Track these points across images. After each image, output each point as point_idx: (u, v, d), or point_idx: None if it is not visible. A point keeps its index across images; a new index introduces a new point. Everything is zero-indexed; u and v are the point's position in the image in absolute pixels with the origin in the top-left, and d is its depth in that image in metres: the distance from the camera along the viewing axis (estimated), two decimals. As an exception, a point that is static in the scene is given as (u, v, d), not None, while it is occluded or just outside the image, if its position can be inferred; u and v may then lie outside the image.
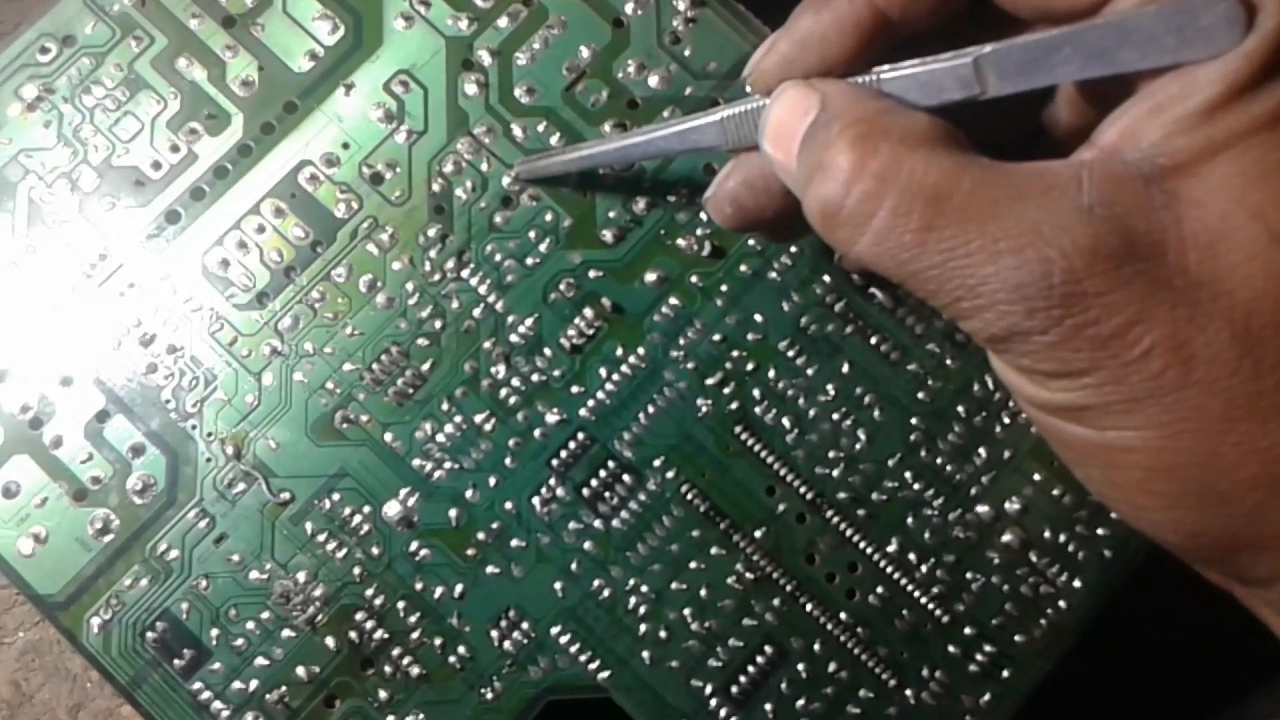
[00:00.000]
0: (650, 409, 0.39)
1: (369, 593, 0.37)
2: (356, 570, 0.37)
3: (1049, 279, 0.24)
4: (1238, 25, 0.25)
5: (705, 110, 0.33)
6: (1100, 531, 0.38)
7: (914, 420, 0.39)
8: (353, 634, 0.37)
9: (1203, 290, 0.23)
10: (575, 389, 0.39)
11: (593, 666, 0.37)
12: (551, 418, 0.38)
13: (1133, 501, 0.26)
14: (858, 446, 0.38)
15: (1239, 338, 0.23)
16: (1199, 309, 0.23)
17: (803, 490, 0.38)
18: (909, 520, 0.38)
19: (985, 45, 0.28)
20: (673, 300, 0.39)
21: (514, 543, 0.38)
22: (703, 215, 0.40)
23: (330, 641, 0.37)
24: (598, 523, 0.38)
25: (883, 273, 0.27)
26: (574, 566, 0.38)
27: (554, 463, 0.38)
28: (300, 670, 0.37)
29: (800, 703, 0.37)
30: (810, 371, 0.39)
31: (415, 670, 0.37)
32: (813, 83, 0.29)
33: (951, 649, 0.37)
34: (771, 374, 0.39)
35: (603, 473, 0.38)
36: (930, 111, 0.28)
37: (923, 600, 0.38)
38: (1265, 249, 0.23)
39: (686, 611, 0.38)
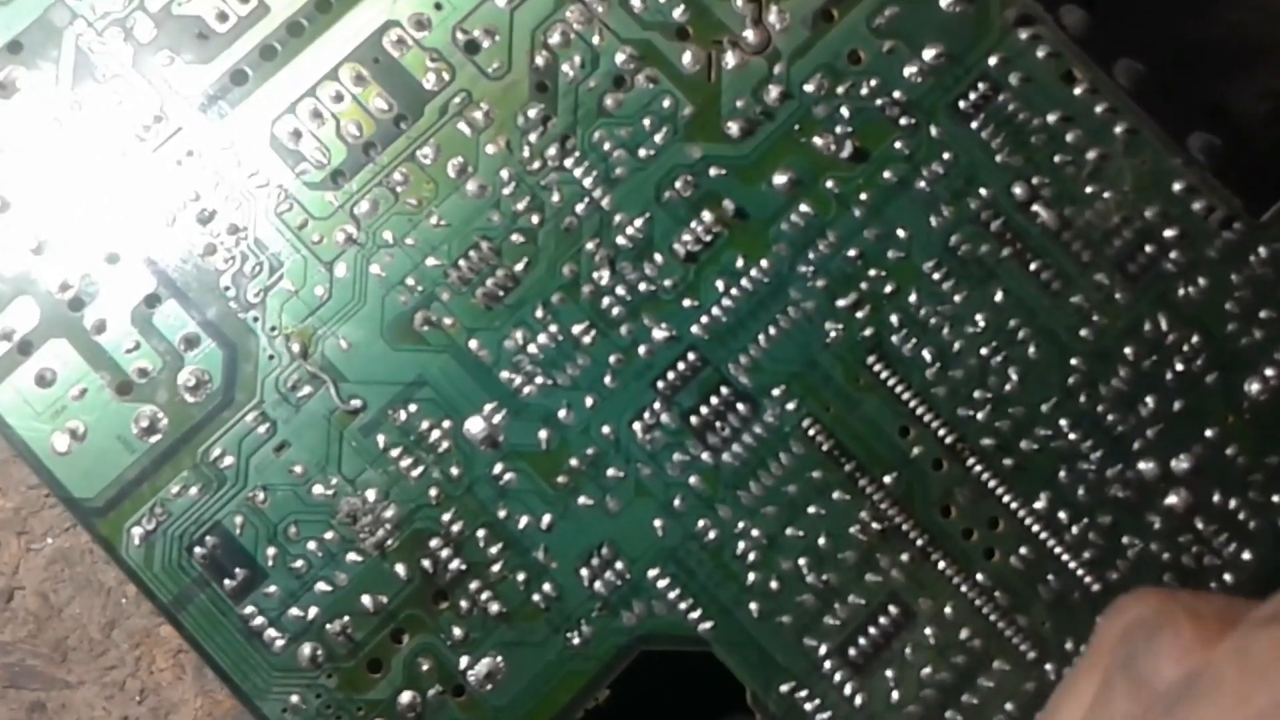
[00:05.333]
0: (771, 330, 0.34)
1: (446, 517, 0.34)
2: (433, 492, 0.34)
3: None
4: None
5: None
6: (1277, 499, 0.33)
7: (1074, 360, 0.34)
8: (426, 562, 0.34)
9: None
10: (687, 302, 0.34)
11: (693, 616, 0.33)
12: (659, 333, 0.34)
13: None
14: (1007, 387, 0.34)
15: None
16: None
17: (941, 433, 0.34)
18: (1061, 474, 0.34)
19: None
20: (804, 207, 0.35)
21: (610, 472, 0.34)
22: (844, 109, 0.34)
23: (400, 569, 0.33)
24: (706, 455, 0.34)
25: None
26: (677, 503, 0.34)
27: (659, 385, 0.34)
28: (366, 599, 0.33)
29: (925, 671, 0.33)
30: (958, 298, 0.35)
31: (494, 607, 0.33)
32: None
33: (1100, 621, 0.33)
34: (913, 298, 0.35)
35: (714, 399, 0.34)
36: None
37: (1071, 565, 0.34)
38: None
39: (802, 561, 0.34)
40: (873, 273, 0.35)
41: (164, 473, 0.34)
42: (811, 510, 0.34)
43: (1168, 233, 0.35)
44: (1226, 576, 0.34)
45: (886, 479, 0.34)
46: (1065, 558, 0.34)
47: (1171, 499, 0.34)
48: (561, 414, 0.34)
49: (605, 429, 0.34)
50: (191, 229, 0.34)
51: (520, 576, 0.34)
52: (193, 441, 0.34)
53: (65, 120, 0.35)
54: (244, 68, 0.35)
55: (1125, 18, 0.38)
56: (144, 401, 0.34)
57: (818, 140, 0.35)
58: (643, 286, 0.34)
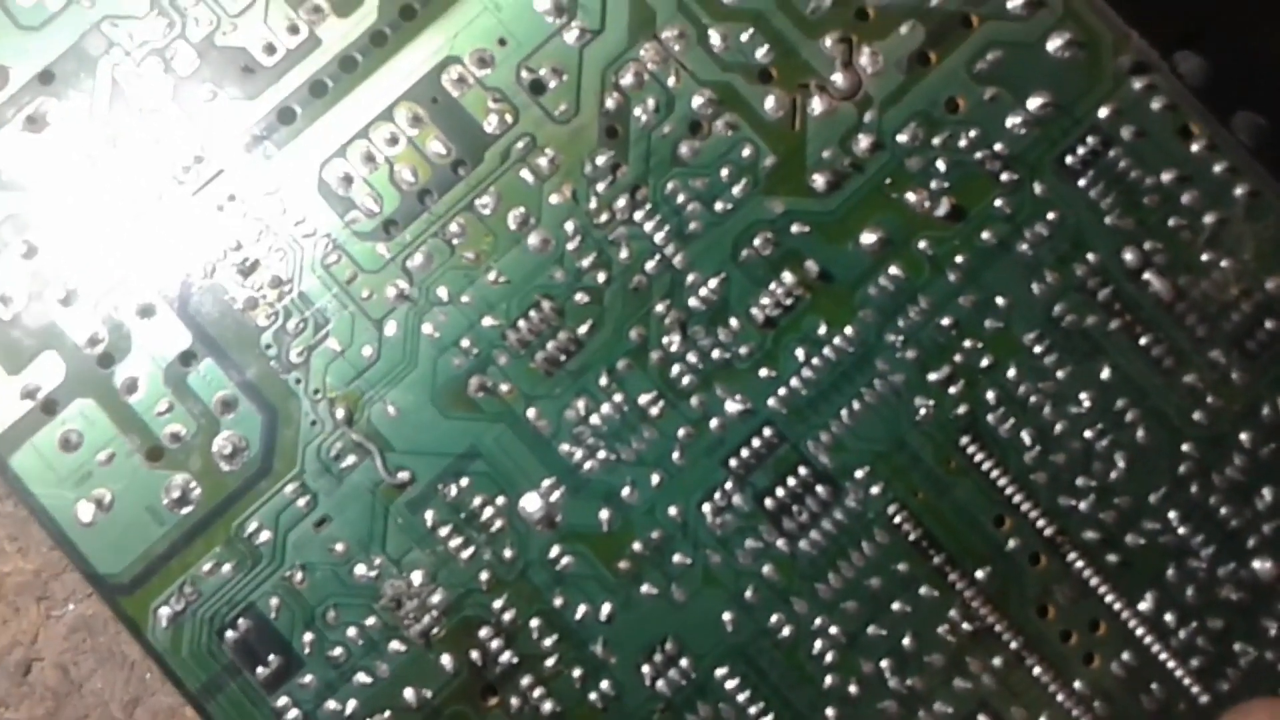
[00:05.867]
0: (855, 405, 0.32)
1: (497, 604, 0.31)
2: (484, 575, 0.31)
3: None
4: None
5: None
6: (1406, 606, 0.31)
7: (1185, 447, 0.32)
8: (474, 654, 0.31)
9: None
10: (765, 372, 0.32)
11: (764, 720, 0.31)
12: (733, 406, 0.32)
13: None
14: (1113, 474, 0.32)
15: None
16: None
17: (1040, 524, 0.32)
18: (1169, 572, 0.32)
19: None
20: (894, 270, 0.32)
21: (676, 558, 0.31)
22: (940, 162, 0.31)
23: (447, 661, 0.31)
24: (781, 542, 0.31)
25: None
26: (748, 594, 0.31)
27: (732, 463, 0.32)
28: (409, 693, 0.31)
29: (1017, 786, 0.30)
30: (1060, 374, 0.32)
31: (547, 706, 0.31)
32: None
33: (1211, 738, 0.30)
34: (1011, 373, 0.32)
35: (791, 480, 0.32)
36: None
37: (1178, 673, 0.32)
38: None
39: (885, 664, 0.31)
40: (968, 344, 0.32)
41: (195, 548, 0.31)
42: (896, 607, 0.31)
43: (1292, 307, 0.32)
44: (1349, 688, 0.31)
45: (979, 574, 0.32)
46: (1171, 665, 0.32)
47: (1290, 602, 0.31)
48: (625, 493, 0.32)
49: (672, 510, 0.32)
50: (231, 281, 0.32)
51: (576, 672, 0.31)
52: (227, 514, 0.32)
53: (99, 158, 0.32)
54: (292, 105, 0.33)
55: (1244, 65, 0.35)
56: (176, 469, 0.32)
57: (910, 196, 0.32)
58: (716, 354, 0.32)
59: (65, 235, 0.32)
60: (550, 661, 0.31)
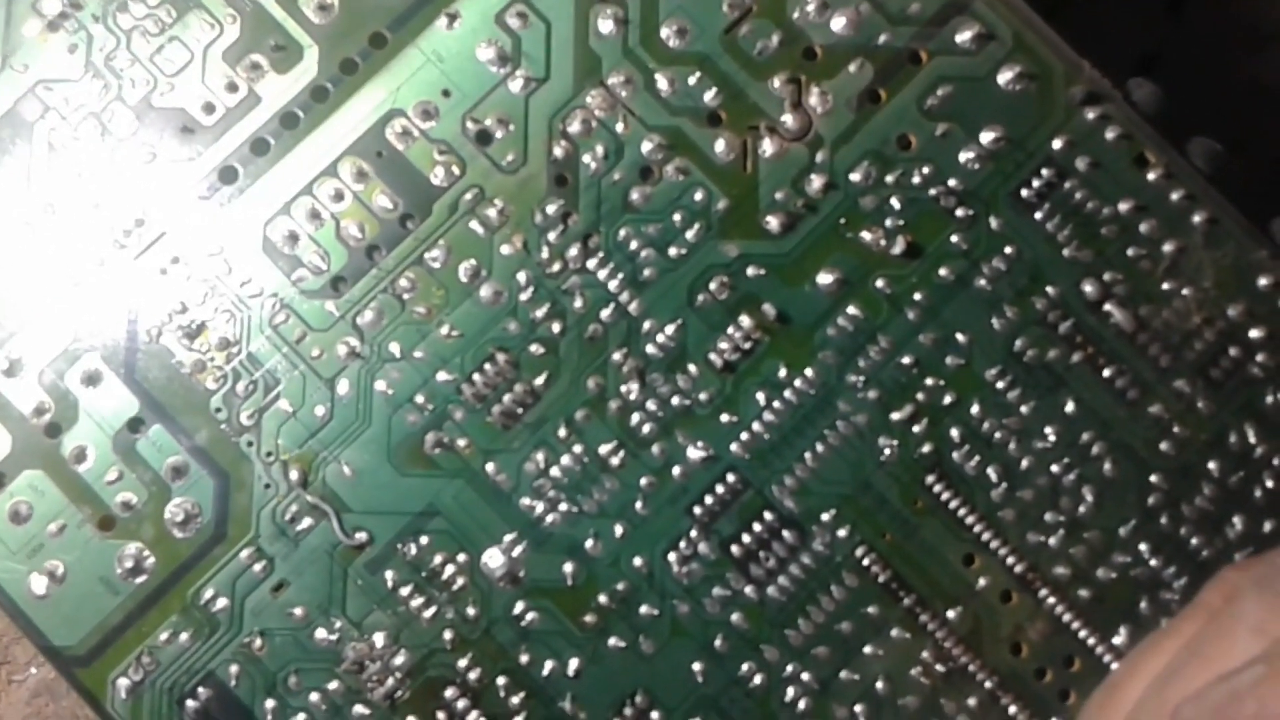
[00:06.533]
0: (819, 448, 0.32)
1: (462, 664, 0.31)
2: (448, 635, 0.31)
3: None
4: None
5: None
6: (1381, 629, 0.30)
7: (1154, 478, 0.32)
8: (441, 715, 0.31)
9: None
10: (726, 418, 0.32)
11: (738, 771, 0.30)
12: (695, 453, 0.31)
13: None
14: (1081, 509, 0.32)
15: None
16: None
17: (1010, 561, 0.31)
18: (1142, 605, 0.31)
19: None
20: (852, 310, 0.32)
21: (643, 609, 0.31)
22: (894, 200, 0.31)
23: (412, 724, 0.30)
24: (749, 589, 0.31)
25: None
26: (718, 643, 0.31)
27: (696, 510, 0.31)
28: (374, 760, 0.30)
29: (996, 829, 0.30)
30: (1025, 409, 0.32)
31: (517, 767, 0.30)
32: None
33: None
34: (975, 410, 0.32)
35: (757, 526, 0.31)
36: None
37: None
38: None
39: (859, 709, 0.31)
40: (930, 382, 0.32)
41: (151, 617, 0.31)
42: (868, 650, 0.31)
43: (1254, 333, 0.32)
44: (1326, 716, 0.31)
45: (950, 614, 0.31)
46: (1148, 699, 0.31)
47: (1264, 631, 0.31)
48: (588, 545, 0.31)
49: (637, 561, 0.31)
50: (178, 344, 0.32)
51: (545, 730, 0.30)
52: (182, 582, 0.31)
53: (37, 224, 0.32)
54: (234, 164, 0.32)
55: (1197, 90, 0.35)
56: (129, 538, 0.31)
57: (866, 235, 0.32)
58: (676, 401, 0.31)
59: (6, 304, 0.32)
60: (518, 720, 0.31)
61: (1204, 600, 0.26)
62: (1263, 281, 0.32)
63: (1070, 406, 0.32)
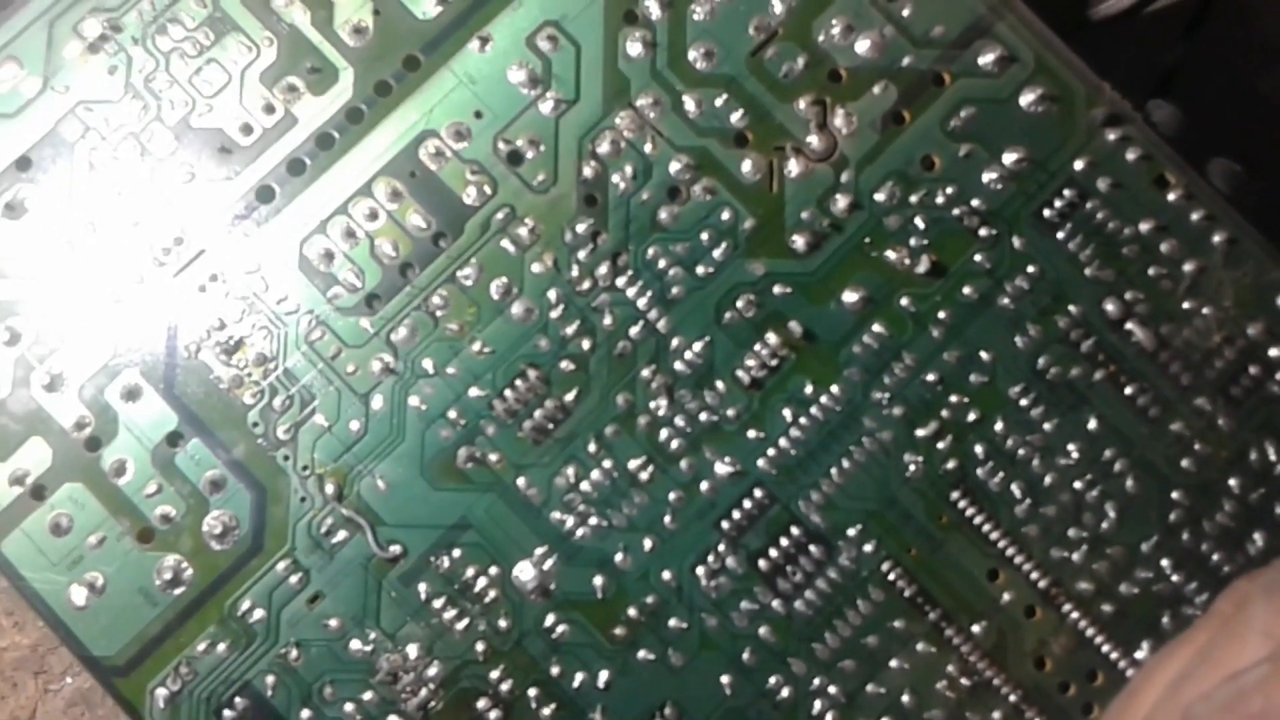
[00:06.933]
0: (845, 464, 0.32)
1: (494, 675, 0.31)
2: (479, 646, 0.31)
3: None
4: None
5: None
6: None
7: (1175, 494, 0.32)
8: (472, 726, 0.31)
9: None
10: (753, 434, 0.32)
11: (765, 783, 0.30)
12: (723, 468, 0.32)
13: None
14: (1104, 525, 0.32)
15: None
16: None
17: (1034, 576, 0.32)
18: (1164, 620, 0.32)
19: None
20: (877, 328, 0.32)
21: (672, 623, 0.31)
22: (918, 220, 0.32)
23: (445, 735, 0.31)
24: (776, 603, 0.31)
25: None
26: (746, 656, 0.31)
27: (724, 525, 0.32)
28: (408, 769, 0.30)
29: (1020, 842, 0.30)
30: (1047, 426, 0.32)
31: (548, 777, 0.30)
32: None
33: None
34: (999, 427, 0.32)
35: (784, 541, 0.32)
36: None
37: None
38: None
39: (884, 722, 0.31)
40: (954, 399, 0.32)
41: (189, 628, 0.31)
42: (894, 664, 0.31)
43: (1273, 351, 0.32)
44: (1346, 730, 0.31)
45: (975, 628, 0.31)
46: (1171, 713, 0.31)
47: (1285, 646, 0.31)
48: (618, 559, 0.32)
49: (666, 575, 0.32)
50: (216, 360, 0.32)
51: (576, 742, 0.31)
52: (220, 594, 0.31)
53: (78, 243, 0.32)
54: (270, 184, 0.33)
55: (1216, 111, 0.35)
56: (167, 550, 0.31)
57: (890, 254, 0.33)
58: (704, 417, 0.32)
59: (48, 321, 0.32)
60: (548, 732, 0.31)
61: (1217, 609, 0.27)
62: (1283, 300, 0.32)
63: (1093, 424, 0.32)
